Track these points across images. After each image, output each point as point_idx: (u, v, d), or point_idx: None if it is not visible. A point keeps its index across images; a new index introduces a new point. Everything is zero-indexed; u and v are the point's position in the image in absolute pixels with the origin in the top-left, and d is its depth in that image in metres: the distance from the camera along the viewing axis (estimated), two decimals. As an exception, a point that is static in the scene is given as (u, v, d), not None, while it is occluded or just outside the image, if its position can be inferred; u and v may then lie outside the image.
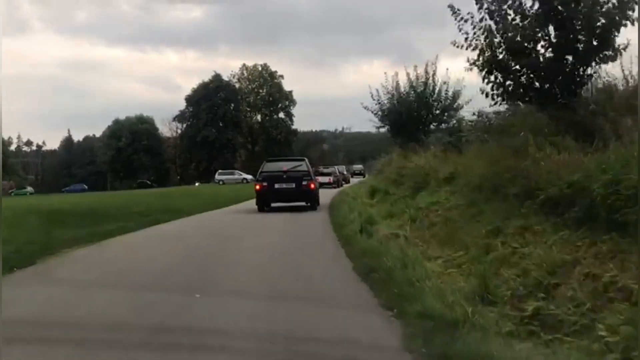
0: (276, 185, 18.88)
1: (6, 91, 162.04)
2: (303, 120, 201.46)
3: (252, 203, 21.98)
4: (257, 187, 19.31)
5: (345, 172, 64.48)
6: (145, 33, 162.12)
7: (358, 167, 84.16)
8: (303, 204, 19.73)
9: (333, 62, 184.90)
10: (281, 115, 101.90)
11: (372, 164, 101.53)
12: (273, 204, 19.58)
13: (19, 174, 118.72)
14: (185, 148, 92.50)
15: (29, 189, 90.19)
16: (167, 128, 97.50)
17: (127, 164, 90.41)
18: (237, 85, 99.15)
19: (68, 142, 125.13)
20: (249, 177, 69.96)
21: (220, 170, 71.62)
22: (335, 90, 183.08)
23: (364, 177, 67.67)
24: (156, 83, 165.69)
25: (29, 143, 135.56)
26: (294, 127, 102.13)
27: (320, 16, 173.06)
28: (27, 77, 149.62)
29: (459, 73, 27.87)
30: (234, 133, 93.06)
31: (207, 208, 22.95)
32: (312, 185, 19.47)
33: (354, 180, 59.35)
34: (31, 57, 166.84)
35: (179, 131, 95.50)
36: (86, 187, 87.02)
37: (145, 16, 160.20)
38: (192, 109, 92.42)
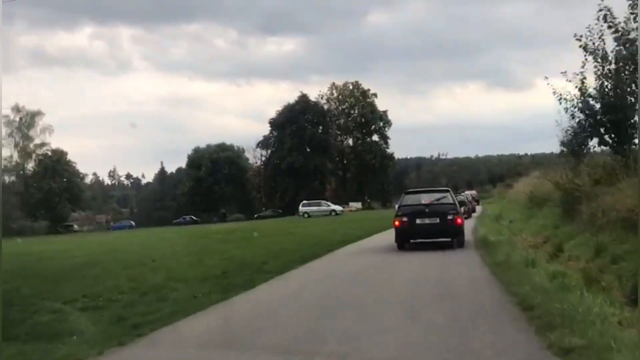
0: (418, 221, 17.06)
1: (108, 128, 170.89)
2: (395, 148, 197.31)
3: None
4: (397, 222, 17.35)
5: (475, 199, 54.34)
6: (239, 67, 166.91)
7: (470, 192, 71.96)
8: (446, 239, 17.36)
9: (424, 88, 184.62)
10: (375, 137, 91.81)
11: (482, 189, 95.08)
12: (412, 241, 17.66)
13: (113, 208, 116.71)
14: (269, 176, 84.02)
15: (131, 222, 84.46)
16: (251, 156, 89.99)
17: (208, 195, 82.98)
18: (325, 107, 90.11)
19: (161, 174, 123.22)
20: (338, 208, 60.28)
21: (304, 201, 62.02)
22: (427, 116, 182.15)
23: (478, 203, 56.52)
24: (248, 115, 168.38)
25: (128, 176, 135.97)
26: (389, 150, 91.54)
27: (410, 42, 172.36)
28: (128, 114, 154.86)
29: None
30: (322, 159, 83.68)
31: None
32: (459, 220, 17.20)
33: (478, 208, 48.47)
34: (132, 94, 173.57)
35: (263, 159, 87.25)
36: (133, 223, 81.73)
37: (239, 51, 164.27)
38: (277, 133, 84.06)
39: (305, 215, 57.92)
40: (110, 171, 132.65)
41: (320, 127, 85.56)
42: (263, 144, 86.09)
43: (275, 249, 18.35)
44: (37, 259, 20.43)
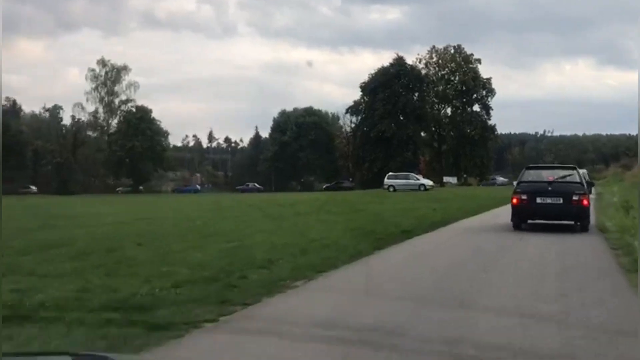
0: (538, 200, 15.43)
1: (211, 92, 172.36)
2: (498, 122, 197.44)
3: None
4: (514, 200, 15.81)
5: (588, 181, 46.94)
6: (343, 35, 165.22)
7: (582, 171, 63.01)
8: (570, 222, 15.87)
9: (531, 62, 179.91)
10: (476, 108, 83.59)
11: (593, 169, 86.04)
12: (530, 221, 16.02)
13: (207, 170, 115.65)
14: (358, 145, 78.10)
15: (197, 186, 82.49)
16: (342, 123, 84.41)
17: (292, 161, 78.40)
18: (423, 72, 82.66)
19: (256, 139, 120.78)
20: (428, 182, 53.79)
21: (390, 173, 55.76)
22: (534, 91, 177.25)
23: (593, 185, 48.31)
24: (350, 84, 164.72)
25: (227, 140, 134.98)
26: (490, 122, 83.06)
27: (518, 14, 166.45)
28: (231, 79, 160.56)
29: None
30: (416, 128, 76.74)
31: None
32: (586, 202, 15.43)
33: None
34: (236, 59, 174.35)
35: (353, 126, 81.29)
36: (199, 187, 79.54)
37: (342, 18, 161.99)
38: (368, 98, 77.73)
39: (391, 189, 51.88)
40: (209, 134, 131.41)
41: (416, 94, 78.39)
42: (353, 109, 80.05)
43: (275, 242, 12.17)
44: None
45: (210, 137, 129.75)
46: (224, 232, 14.95)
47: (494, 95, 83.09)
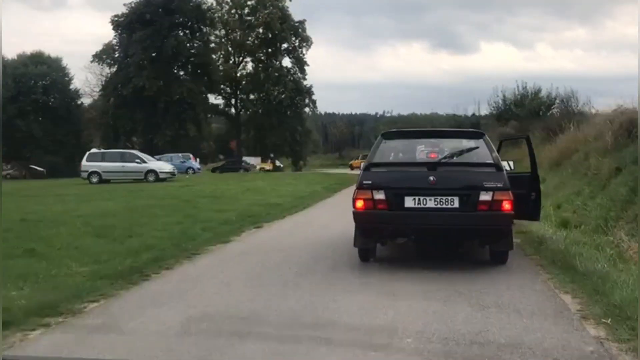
0: (409, 202, 7.05)
1: None
2: (340, 104, 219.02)
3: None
4: (359, 202, 7.14)
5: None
6: None
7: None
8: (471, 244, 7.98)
9: (369, 45, 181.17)
10: (286, 62, 61.40)
11: None
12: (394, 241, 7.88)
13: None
14: (106, 109, 52.45)
15: None
16: (89, 76, 57.92)
17: (10, 133, 51.02)
18: (216, 14, 58.94)
19: None
20: (165, 168, 30.40)
21: (94, 150, 31.52)
22: (372, 74, 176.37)
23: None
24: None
25: None
26: (306, 82, 61.31)
27: None
28: None
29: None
30: (197, 86, 52.70)
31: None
32: (507, 205, 6.95)
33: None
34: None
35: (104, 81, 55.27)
36: None
37: None
38: (124, 40, 52.37)
39: (94, 179, 27.61)
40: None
41: (197, 37, 54.27)
42: (101, 56, 54.02)
43: None
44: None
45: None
46: None
47: (310, 46, 61.33)
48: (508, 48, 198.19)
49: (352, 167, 60.07)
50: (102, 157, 28.97)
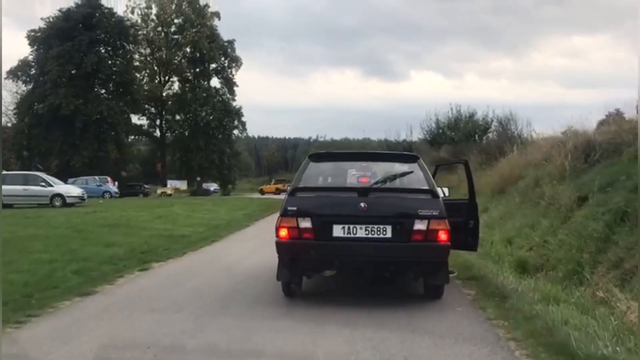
0: (337, 231, 6.37)
1: None
2: (273, 129, 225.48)
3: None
4: (283, 231, 6.46)
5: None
6: None
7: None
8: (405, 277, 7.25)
9: (301, 71, 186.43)
10: (215, 82, 59.83)
11: None
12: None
13: None
14: (23, 130, 49.31)
15: None
16: (3, 94, 54.61)
17: None
18: (141, 32, 56.84)
19: None
20: (72, 192, 28.20)
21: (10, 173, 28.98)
22: (306, 99, 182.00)
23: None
24: None
25: None
26: (236, 103, 59.88)
27: (289, 22, 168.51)
28: None
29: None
30: (117, 105, 50.30)
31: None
32: (443, 235, 6.32)
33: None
34: None
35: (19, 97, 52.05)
36: None
37: None
38: (41, 55, 49.58)
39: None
40: None
41: (119, 54, 52.05)
42: (16, 73, 50.93)
43: None
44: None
45: None
46: None
47: (239, 66, 60.05)
48: (437, 77, 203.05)
49: (262, 192, 58.72)
50: (3, 180, 26.55)
